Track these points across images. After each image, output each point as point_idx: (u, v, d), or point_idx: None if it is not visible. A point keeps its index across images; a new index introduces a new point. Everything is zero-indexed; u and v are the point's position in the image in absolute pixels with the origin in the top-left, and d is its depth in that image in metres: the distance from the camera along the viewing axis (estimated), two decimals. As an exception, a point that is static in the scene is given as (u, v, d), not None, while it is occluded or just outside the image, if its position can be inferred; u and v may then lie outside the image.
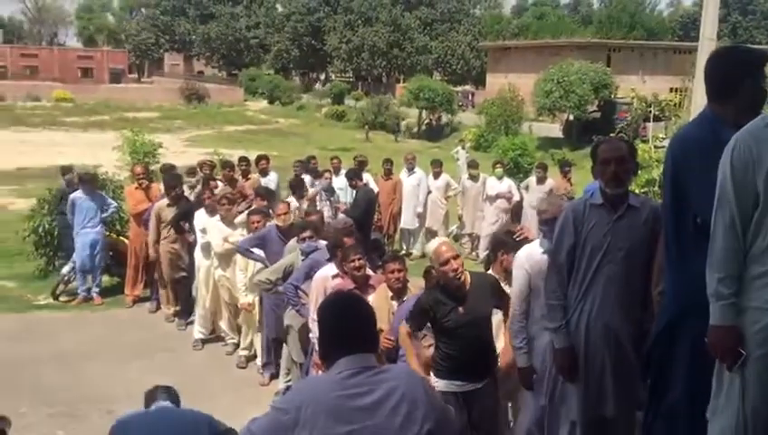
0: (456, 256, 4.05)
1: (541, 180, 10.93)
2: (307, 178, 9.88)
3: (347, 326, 2.29)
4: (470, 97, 45.93)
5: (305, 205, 8.60)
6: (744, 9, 51.82)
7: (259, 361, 6.92)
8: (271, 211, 7.02)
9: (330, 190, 9.67)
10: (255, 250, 6.61)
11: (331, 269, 5.28)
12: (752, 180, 2.50)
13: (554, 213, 3.84)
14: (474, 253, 11.54)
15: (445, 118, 35.88)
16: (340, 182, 10.06)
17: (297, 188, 8.95)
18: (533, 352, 3.94)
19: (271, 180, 9.99)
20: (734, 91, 2.84)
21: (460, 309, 4.02)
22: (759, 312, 2.52)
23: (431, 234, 11.51)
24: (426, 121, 36.25)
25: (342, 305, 2.40)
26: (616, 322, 3.35)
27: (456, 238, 12.28)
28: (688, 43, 37.02)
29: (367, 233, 8.42)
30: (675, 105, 26.76)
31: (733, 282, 2.55)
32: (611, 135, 21.11)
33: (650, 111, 23.64)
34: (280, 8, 70.12)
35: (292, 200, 8.59)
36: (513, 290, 4.04)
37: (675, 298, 2.94)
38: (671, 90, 32.08)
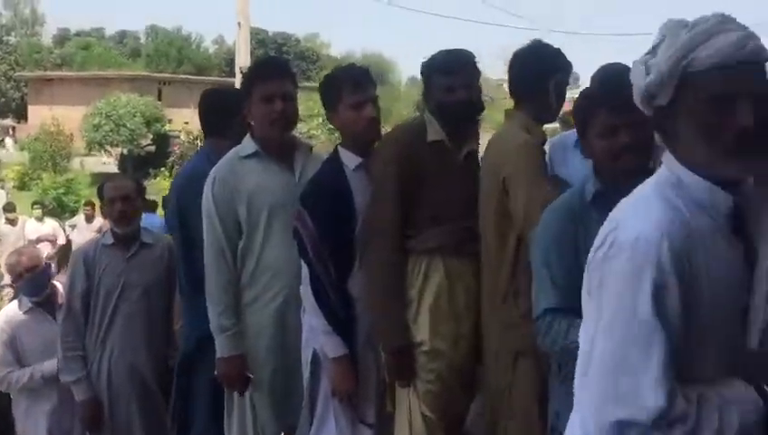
0: None
1: (89, 218, 10.44)
2: None
3: None
4: (11, 132, 41.53)
5: None
6: (280, 50, 57.58)
7: None
8: None
9: None
10: None
11: None
12: (233, 210, 2.70)
13: (29, 264, 3.52)
14: (18, 305, 10.40)
15: (-19, 155, 31.80)
16: None
17: None
18: None
19: None
20: (225, 128, 3.04)
21: None
22: (255, 337, 2.73)
23: (-39, 290, 10.02)
24: (-45, 160, 31.61)
25: None
26: (140, 360, 3.28)
27: (-3, 291, 10.94)
28: (233, 79, 39.44)
29: None
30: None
31: (233, 312, 2.71)
32: (163, 168, 21.24)
33: (198, 144, 24.49)
34: None
35: None
36: None
37: (191, 332, 3.00)
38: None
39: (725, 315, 1.33)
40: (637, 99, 1.39)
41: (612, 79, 2.07)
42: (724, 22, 1.29)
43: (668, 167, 1.36)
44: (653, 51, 1.34)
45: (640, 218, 1.29)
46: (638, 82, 1.36)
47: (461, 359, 2.56)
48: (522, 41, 2.64)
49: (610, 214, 1.38)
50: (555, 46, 2.58)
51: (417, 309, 2.54)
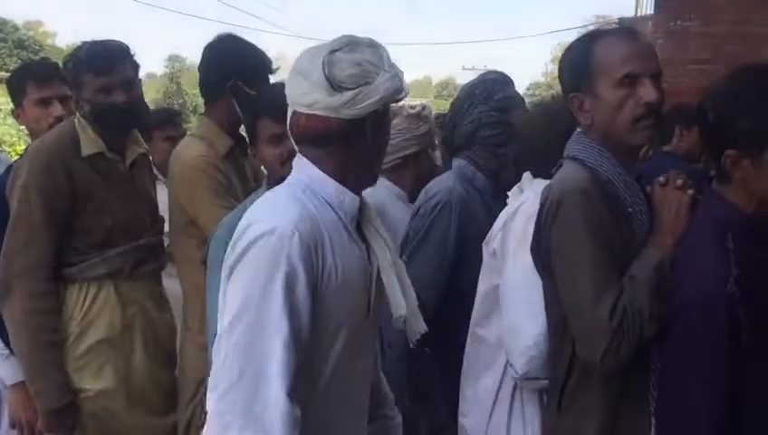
0: None
1: None
2: None
3: None
4: None
5: None
6: (-6, 38, 51.59)
7: None
8: None
9: None
10: None
11: None
12: None
13: None
14: None
15: None
16: None
17: None
18: None
19: None
20: None
21: None
22: None
23: None
24: None
25: None
26: None
27: None
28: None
29: None
30: None
31: None
32: None
33: None
34: None
35: None
36: None
37: None
38: None
39: (352, 312, 1.42)
40: None
41: (278, 90, 2.07)
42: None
43: (298, 171, 1.45)
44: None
45: (275, 215, 1.35)
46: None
47: (140, 386, 2.31)
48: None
49: (246, 214, 1.41)
50: (247, 41, 2.30)
51: (79, 347, 2.21)
